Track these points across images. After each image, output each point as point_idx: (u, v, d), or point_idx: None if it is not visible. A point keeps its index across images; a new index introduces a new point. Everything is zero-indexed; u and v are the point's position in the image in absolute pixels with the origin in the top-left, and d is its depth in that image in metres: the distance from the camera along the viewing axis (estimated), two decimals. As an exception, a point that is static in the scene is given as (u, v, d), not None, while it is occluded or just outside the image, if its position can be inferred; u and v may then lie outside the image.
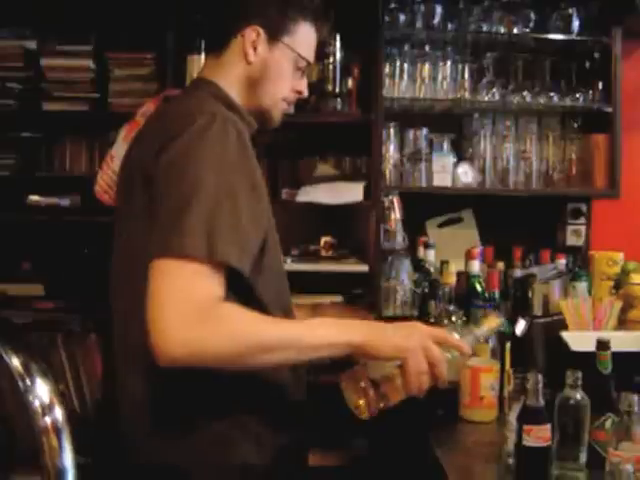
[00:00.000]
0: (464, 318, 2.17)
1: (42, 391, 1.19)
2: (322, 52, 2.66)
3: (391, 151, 3.13)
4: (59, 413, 1.18)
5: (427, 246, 2.98)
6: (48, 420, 1.17)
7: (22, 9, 3.03)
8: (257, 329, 1.38)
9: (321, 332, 1.44)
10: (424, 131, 3.20)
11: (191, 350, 1.30)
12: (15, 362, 1.21)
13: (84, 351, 2.92)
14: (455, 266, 2.94)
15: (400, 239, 2.88)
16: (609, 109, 3.15)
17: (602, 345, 1.60)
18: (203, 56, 2.74)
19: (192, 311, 1.31)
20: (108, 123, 2.97)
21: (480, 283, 2.45)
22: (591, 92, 3.20)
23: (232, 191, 1.42)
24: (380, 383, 1.42)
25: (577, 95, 3.19)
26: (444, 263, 2.93)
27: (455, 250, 3.13)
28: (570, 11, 3.11)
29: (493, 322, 1.65)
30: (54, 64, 2.98)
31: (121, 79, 2.96)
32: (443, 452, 1.73)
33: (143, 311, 1.33)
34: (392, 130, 3.15)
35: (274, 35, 1.71)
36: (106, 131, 2.99)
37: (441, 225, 3.35)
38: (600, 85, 3.19)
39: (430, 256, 2.96)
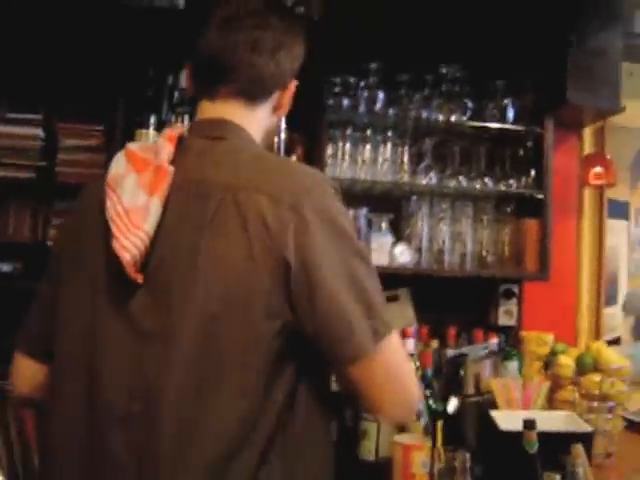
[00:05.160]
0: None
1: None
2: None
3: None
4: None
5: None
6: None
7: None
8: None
9: None
10: (364, 211, 3.25)
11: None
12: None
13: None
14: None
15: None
16: (541, 195, 3.24)
17: (528, 425, 1.66)
18: (152, 131, 2.80)
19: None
20: (53, 192, 3.00)
21: (414, 362, 2.52)
22: (524, 179, 3.30)
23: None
24: None
25: (510, 181, 3.29)
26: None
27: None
28: (505, 101, 3.23)
29: None
30: (3, 131, 2.98)
31: (69, 149, 2.96)
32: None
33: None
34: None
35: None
36: (50, 200, 3.02)
37: (379, 303, 3.39)
38: (532, 172, 3.29)
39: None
